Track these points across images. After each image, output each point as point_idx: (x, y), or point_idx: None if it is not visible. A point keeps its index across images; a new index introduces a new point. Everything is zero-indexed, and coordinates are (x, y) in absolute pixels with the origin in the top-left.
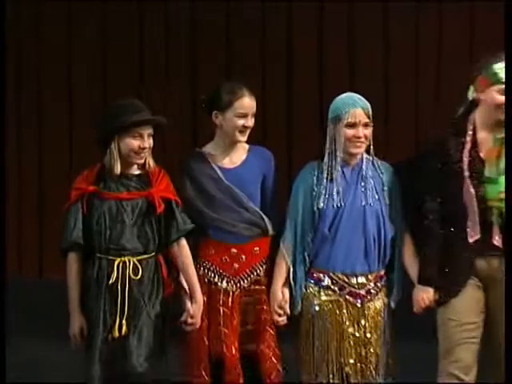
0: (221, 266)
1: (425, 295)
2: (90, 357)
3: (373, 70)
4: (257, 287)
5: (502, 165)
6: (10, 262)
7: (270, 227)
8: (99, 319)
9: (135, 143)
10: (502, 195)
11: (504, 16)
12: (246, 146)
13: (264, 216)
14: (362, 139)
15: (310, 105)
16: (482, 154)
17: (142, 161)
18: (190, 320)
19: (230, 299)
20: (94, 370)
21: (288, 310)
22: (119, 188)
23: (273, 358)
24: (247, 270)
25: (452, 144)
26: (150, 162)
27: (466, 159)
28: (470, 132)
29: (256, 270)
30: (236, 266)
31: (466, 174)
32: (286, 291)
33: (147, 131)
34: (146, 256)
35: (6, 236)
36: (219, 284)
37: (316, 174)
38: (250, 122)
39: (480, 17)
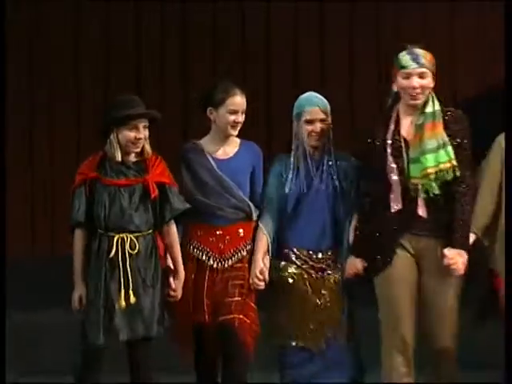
0: (208, 245)
1: (352, 264)
2: (89, 323)
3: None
4: (239, 265)
5: (425, 146)
6: (23, 240)
7: (254, 213)
8: (100, 288)
9: (131, 134)
10: (426, 172)
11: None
12: (238, 140)
13: (250, 203)
14: (319, 134)
15: (287, 102)
16: (407, 138)
17: (139, 149)
18: (172, 293)
19: (214, 275)
20: (94, 336)
21: (267, 277)
22: (118, 175)
23: (252, 325)
24: (231, 250)
25: (379, 129)
26: (148, 149)
27: (389, 141)
28: (394, 119)
29: (240, 251)
30: (221, 246)
31: (389, 151)
32: (267, 260)
33: (142, 123)
34: (142, 233)
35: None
36: (206, 262)
37: (285, 164)
38: (241, 118)
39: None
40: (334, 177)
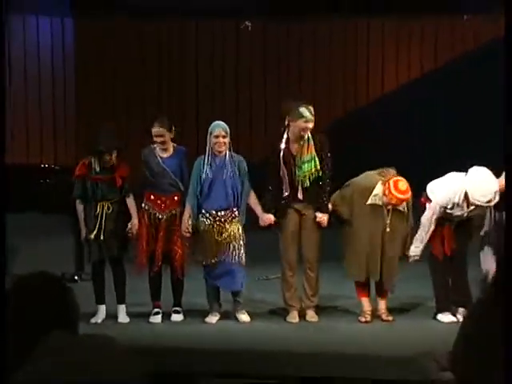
0: (155, 205)
1: (265, 217)
2: (88, 246)
3: None
4: (175, 219)
5: (304, 158)
6: None
7: (182, 187)
8: (92, 230)
9: (105, 157)
10: (304, 173)
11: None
12: (174, 145)
13: (179, 182)
14: (222, 146)
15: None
16: (293, 152)
17: (110, 164)
18: (132, 230)
19: (159, 222)
20: (92, 252)
21: (190, 230)
22: (97, 175)
23: (180, 252)
24: (170, 208)
25: (278, 149)
26: (114, 161)
27: (281, 154)
28: (285, 140)
29: (175, 209)
30: (163, 205)
31: (281, 162)
32: (189, 220)
33: (111, 154)
34: (113, 200)
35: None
36: (154, 214)
37: (202, 161)
38: (167, 137)
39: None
40: (232, 168)
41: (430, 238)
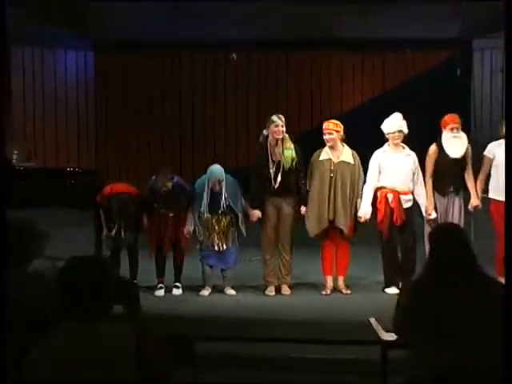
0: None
1: (256, 213)
2: (106, 238)
3: None
4: (179, 215)
5: (286, 146)
6: None
7: (184, 203)
8: (112, 227)
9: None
10: (288, 159)
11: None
12: (173, 181)
13: (181, 203)
14: (217, 186)
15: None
16: (271, 156)
17: None
18: (145, 225)
19: (167, 218)
20: (108, 243)
21: (191, 230)
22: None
23: (183, 241)
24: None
25: (259, 152)
26: None
27: (261, 157)
28: (265, 146)
29: (180, 211)
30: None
31: (262, 162)
32: (193, 218)
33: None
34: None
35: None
36: (163, 212)
37: (202, 188)
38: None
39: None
40: (226, 192)
41: (378, 213)
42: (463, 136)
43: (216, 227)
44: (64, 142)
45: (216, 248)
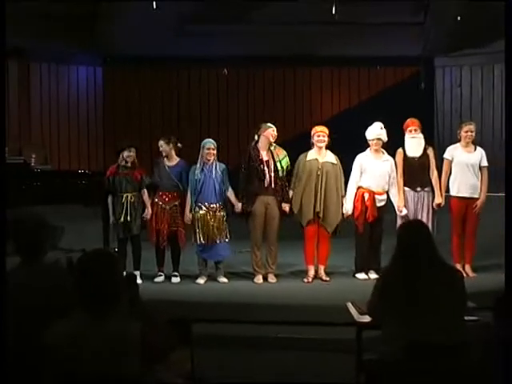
0: (162, 199)
1: (239, 206)
2: (115, 228)
3: None
4: (176, 208)
5: (281, 156)
6: None
7: (181, 187)
8: (120, 215)
9: (125, 154)
10: (284, 167)
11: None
12: (178, 158)
13: (179, 183)
14: (211, 156)
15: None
16: (262, 158)
17: (131, 161)
18: (145, 216)
19: (164, 211)
20: (118, 231)
21: (190, 217)
22: (123, 170)
23: (180, 233)
24: (172, 201)
25: (251, 154)
26: (136, 161)
27: (253, 158)
28: (256, 149)
29: (176, 202)
30: (167, 199)
31: (254, 163)
32: (189, 211)
33: (131, 150)
34: (134, 193)
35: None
36: (161, 206)
37: (196, 167)
38: (168, 150)
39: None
40: (218, 172)
41: (355, 210)
42: (421, 137)
43: (211, 222)
44: (76, 147)
45: (210, 243)
